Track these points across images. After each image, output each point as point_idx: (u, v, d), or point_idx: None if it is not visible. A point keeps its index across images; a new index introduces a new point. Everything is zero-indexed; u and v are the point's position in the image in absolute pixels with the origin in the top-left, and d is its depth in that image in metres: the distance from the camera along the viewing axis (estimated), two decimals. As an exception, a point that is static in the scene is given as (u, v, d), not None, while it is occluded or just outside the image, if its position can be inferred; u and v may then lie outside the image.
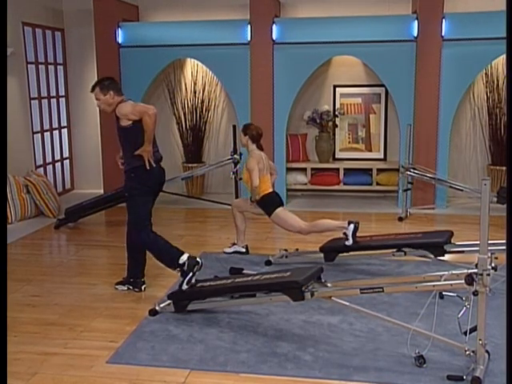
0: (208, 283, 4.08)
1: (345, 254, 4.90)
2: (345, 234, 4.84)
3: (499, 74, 7.28)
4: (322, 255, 4.97)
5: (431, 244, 4.60)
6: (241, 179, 6.45)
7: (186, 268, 4.08)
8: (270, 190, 5.15)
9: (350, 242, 4.81)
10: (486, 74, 7.31)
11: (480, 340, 3.09)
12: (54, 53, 8.08)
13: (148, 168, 4.24)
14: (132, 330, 3.79)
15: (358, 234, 4.84)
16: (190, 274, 4.06)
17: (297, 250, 5.27)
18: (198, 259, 4.15)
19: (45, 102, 7.91)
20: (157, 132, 4.51)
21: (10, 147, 6.41)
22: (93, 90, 4.34)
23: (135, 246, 4.48)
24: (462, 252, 4.64)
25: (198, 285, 4.07)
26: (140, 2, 8.00)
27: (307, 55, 7.12)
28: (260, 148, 5.19)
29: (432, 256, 4.59)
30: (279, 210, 5.09)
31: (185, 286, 4.03)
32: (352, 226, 4.84)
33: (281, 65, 7.19)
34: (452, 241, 4.64)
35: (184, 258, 4.13)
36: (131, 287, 4.52)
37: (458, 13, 6.93)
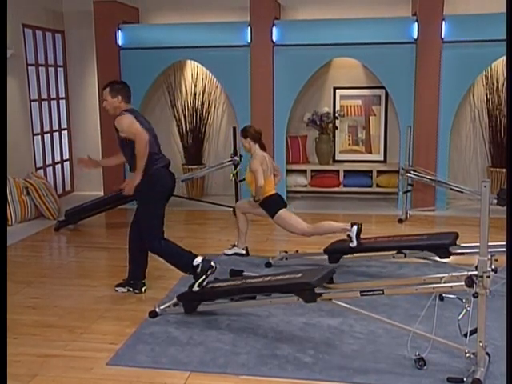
0: (218, 284, 4.03)
1: (349, 255, 4.89)
2: (349, 236, 4.82)
3: (499, 75, 7.29)
4: (323, 257, 4.96)
5: (436, 245, 4.56)
6: (241, 181, 6.46)
7: (199, 270, 4.04)
8: (273, 191, 5.16)
9: (354, 244, 4.79)
10: (485, 75, 7.32)
11: (480, 342, 3.09)
12: (55, 55, 8.09)
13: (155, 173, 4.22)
14: (132, 332, 3.79)
15: (361, 236, 4.85)
16: (203, 277, 4.00)
17: (297, 251, 5.27)
18: (212, 263, 4.11)
19: (45, 103, 7.92)
20: (158, 134, 4.52)
21: (10, 149, 6.42)
22: (103, 89, 4.37)
23: (138, 248, 4.47)
24: (465, 254, 4.63)
25: (209, 286, 4.02)
26: (140, 4, 8.01)
27: (307, 57, 7.13)
28: (263, 148, 5.18)
29: (437, 258, 4.58)
30: (282, 211, 5.09)
31: (196, 288, 3.98)
32: (355, 227, 4.82)
33: (281, 67, 7.19)
34: (457, 242, 4.62)
35: (198, 260, 4.09)
36: (131, 289, 4.52)
37: (458, 15, 6.94)
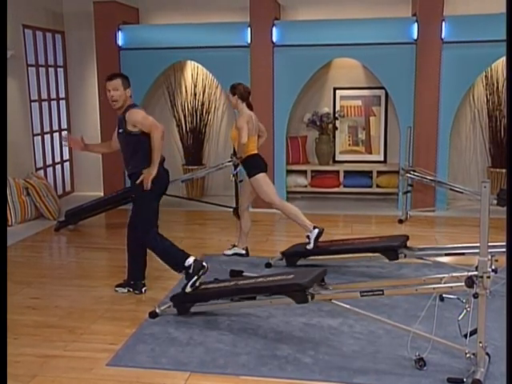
0: (211, 285, 4.07)
1: (310, 257, 4.99)
2: (308, 237, 4.92)
3: (499, 76, 7.29)
4: (322, 257, 4.97)
5: (386, 248, 4.72)
6: (241, 181, 6.45)
7: (191, 271, 4.05)
8: (256, 151, 5.17)
9: (311, 246, 4.91)
10: (485, 76, 7.32)
11: (480, 342, 3.09)
12: (55, 55, 8.09)
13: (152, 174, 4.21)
14: (132, 333, 3.79)
15: (330, 239, 4.99)
16: (195, 277, 4.02)
17: (297, 252, 5.27)
18: (204, 263, 4.12)
19: (45, 104, 7.91)
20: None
21: (11, 149, 6.42)
22: (112, 79, 4.27)
23: (136, 248, 4.47)
24: (420, 256, 4.79)
25: (201, 287, 4.05)
26: (140, 5, 8.01)
27: (307, 57, 7.13)
28: (250, 107, 5.16)
29: (387, 260, 4.72)
30: (261, 175, 5.11)
31: (188, 289, 4.01)
32: (316, 230, 4.92)
33: (281, 67, 7.19)
34: (408, 244, 4.76)
35: (190, 260, 4.10)
36: (131, 289, 4.52)
37: (458, 15, 6.94)
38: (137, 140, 4.22)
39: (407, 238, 4.82)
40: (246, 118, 5.04)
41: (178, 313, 4.00)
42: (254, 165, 5.12)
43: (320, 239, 4.99)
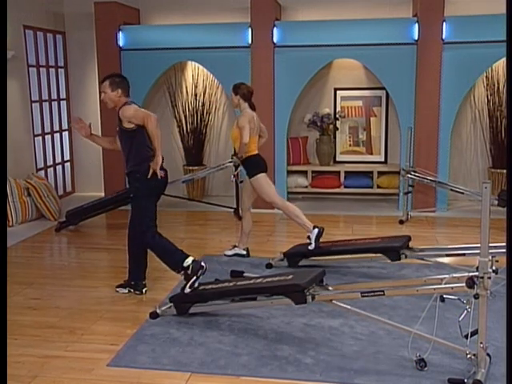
0: (210, 286, 4.08)
1: (312, 258, 4.99)
2: (308, 237, 4.91)
3: (500, 76, 7.29)
4: (323, 258, 4.97)
5: (388, 248, 4.71)
6: (241, 182, 6.46)
7: (190, 271, 4.07)
8: (256, 151, 5.17)
9: (312, 247, 4.90)
10: (486, 76, 7.32)
11: (481, 343, 3.09)
12: (55, 56, 8.09)
13: (156, 176, 4.24)
14: (133, 333, 3.79)
15: (330, 239, 4.96)
16: (194, 277, 4.04)
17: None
18: (202, 263, 4.14)
19: (46, 104, 7.92)
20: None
21: (11, 150, 6.43)
22: (102, 82, 4.36)
23: (137, 249, 4.48)
24: (420, 257, 4.79)
25: (200, 288, 4.06)
26: (141, 5, 8.01)
27: (308, 58, 7.13)
28: (252, 107, 5.17)
29: (388, 260, 4.72)
30: (262, 175, 5.12)
31: (187, 290, 4.03)
32: (316, 230, 4.91)
33: (281, 68, 7.20)
34: (410, 245, 4.75)
35: (189, 261, 4.13)
36: (132, 290, 4.52)
37: (459, 16, 6.93)
38: (133, 136, 4.25)
39: (409, 238, 4.82)
40: (247, 117, 5.04)
41: (177, 313, 4.01)
42: (255, 165, 5.12)
43: (321, 240, 4.99)
